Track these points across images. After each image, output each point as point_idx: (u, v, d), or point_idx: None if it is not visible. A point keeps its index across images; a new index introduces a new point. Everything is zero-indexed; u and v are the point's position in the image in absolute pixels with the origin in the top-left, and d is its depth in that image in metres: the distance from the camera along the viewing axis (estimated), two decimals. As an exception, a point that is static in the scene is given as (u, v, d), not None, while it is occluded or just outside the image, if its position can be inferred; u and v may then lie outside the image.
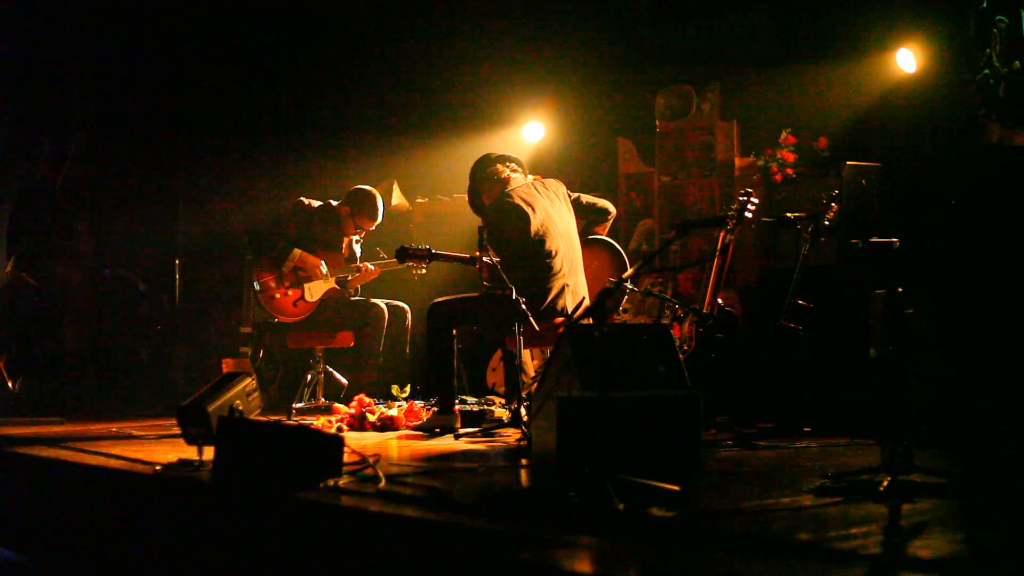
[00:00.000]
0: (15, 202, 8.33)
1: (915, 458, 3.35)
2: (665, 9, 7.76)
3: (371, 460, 3.64)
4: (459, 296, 5.65)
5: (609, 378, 3.31)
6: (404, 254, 5.68)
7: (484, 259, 5.16)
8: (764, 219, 5.93)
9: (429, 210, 7.97)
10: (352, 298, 6.46)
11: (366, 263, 6.46)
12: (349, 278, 6.50)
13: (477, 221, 5.57)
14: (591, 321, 3.42)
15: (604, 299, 3.47)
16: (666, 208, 7.47)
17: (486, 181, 5.65)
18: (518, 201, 5.46)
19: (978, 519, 2.98)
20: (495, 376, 6.93)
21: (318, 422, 5.53)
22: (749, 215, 5.57)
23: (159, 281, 8.72)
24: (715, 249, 5.54)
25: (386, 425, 5.48)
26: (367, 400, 5.71)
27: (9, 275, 8.00)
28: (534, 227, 5.41)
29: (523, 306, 4.91)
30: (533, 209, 5.46)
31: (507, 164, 5.69)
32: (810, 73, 6.79)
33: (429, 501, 3.18)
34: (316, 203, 6.50)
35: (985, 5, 4.92)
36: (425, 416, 5.50)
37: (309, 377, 6.35)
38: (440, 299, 5.57)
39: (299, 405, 6.17)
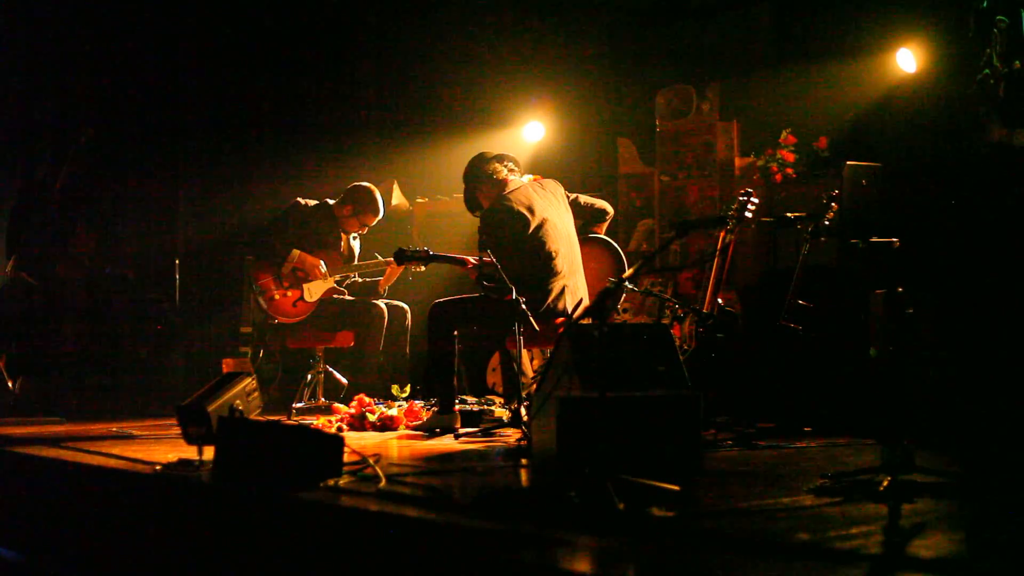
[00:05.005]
0: (15, 202, 8.32)
1: (915, 458, 3.35)
2: (665, 9, 7.76)
3: (371, 460, 3.64)
4: (460, 296, 5.66)
5: (609, 378, 3.31)
6: (402, 256, 5.68)
7: (485, 259, 5.16)
8: (764, 219, 5.93)
9: (429, 210, 7.96)
10: (382, 298, 6.40)
11: (391, 260, 6.31)
12: (349, 279, 6.49)
13: (477, 221, 5.58)
14: (591, 321, 3.42)
15: (604, 299, 3.47)
16: (666, 208, 7.47)
17: (484, 181, 5.64)
18: (516, 206, 5.46)
19: (978, 519, 2.98)
20: (495, 376, 6.93)
21: (318, 422, 5.53)
22: (749, 215, 5.57)
23: (159, 281, 8.72)
24: (715, 249, 5.54)
25: (386, 425, 5.48)
26: (367, 400, 5.71)
27: (9, 275, 8.00)
28: (532, 229, 5.42)
29: (523, 307, 4.91)
30: (532, 212, 5.46)
31: (504, 163, 5.67)
32: (810, 73, 6.79)
33: (429, 501, 3.18)
34: (312, 202, 6.50)
35: (985, 5, 4.91)
36: (425, 416, 5.50)
37: (309, 377, 6.35)
38: (441, 299, 5.58)
39: (299, 405, 6.17)
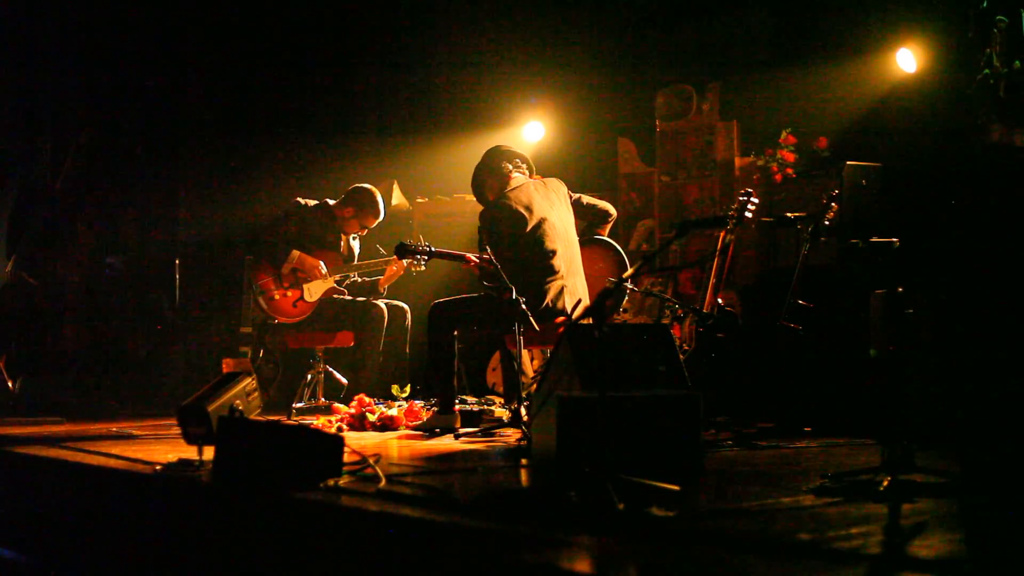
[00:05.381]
0: (15, 202, 8.33)
1: (915, 458, 3.35)
2: (665, 9, 7.76)
3: (371, 460, 3.64)
4: (460, 296, 5.66)
5: (609, 378, 3.31)
6: (404, 250, 5.68)
7: (485, 257, 5.16)
8: (764, 219, 5.94)
9: (429, 210, 7.97)
10: (382, 297, 6.40)
11: (394, 259, 6.26)
12: (350, 279, 6.48)
13: (477, 221, 5.59)
14: (591, 321, 3.42)
15: (604, 299, 3.47)
16: (666, 208, 7.47)
17: (490, 175, 5.69)
18: (515, 204, 5.47)
19: (978, 519, 2.98)
20: (495, 376, 6.93)
21: (318, 422, 5.53)
22: (749, 215, 5.57)
23: (159, 280, 8.73)
24: (715, 249, 5.54)
25: (386, 425, 5.48)
26: (367, 400, 5.72)
27: (9, 275, 8.00)
28: (530, 229, 5.43)
29: (523, 306, 4.91)
30: (531, 211, 5.47)
31: (512, 161, 5.70)
32: (810, 73, 6.79)
33: (429, 501, 3.18)
34: (312, 202, 6.50)
35: (985, 5, 4.91)
36: (425, 416, 5.50)
37: (309, 377, 6.35)
38: (441, 299, 5.58)
39: (299, 405, 6.17)
